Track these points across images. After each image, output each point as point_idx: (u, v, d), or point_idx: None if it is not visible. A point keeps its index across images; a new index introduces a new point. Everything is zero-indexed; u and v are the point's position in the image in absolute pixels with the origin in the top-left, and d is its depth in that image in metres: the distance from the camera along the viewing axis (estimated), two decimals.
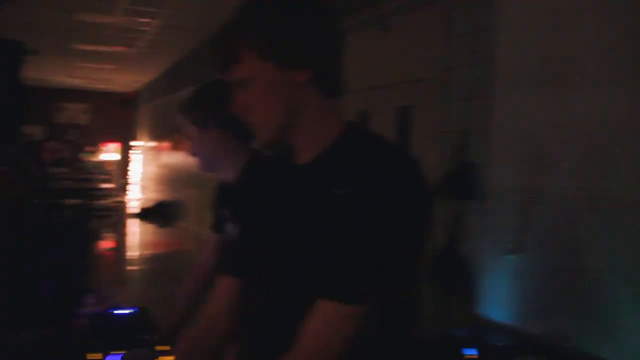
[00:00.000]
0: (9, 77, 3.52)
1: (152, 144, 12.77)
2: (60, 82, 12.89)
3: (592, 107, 2.55)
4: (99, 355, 1.67)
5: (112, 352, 1.67)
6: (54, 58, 9.47)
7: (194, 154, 1.67)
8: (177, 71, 9.96)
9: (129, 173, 14.93)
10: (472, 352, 2.67)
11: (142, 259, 8.35)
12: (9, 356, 1.85)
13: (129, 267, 7.87)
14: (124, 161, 14.97)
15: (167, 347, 1.68)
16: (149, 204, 11.61)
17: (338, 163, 0.98)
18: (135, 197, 14.22)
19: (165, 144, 10.98)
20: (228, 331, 1.17)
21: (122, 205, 13.61)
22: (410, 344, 1.08)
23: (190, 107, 1.66)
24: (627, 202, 2.39)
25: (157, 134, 12.17)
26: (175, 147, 9.83)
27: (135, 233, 10.81)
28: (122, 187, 14.74)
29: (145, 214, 11.14)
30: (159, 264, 7.88)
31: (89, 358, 1.67)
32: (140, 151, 14.42)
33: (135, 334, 1.86)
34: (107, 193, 13.28)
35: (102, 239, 9.24)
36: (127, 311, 2.04)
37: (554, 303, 2.70)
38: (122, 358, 1.60)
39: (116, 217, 12.11)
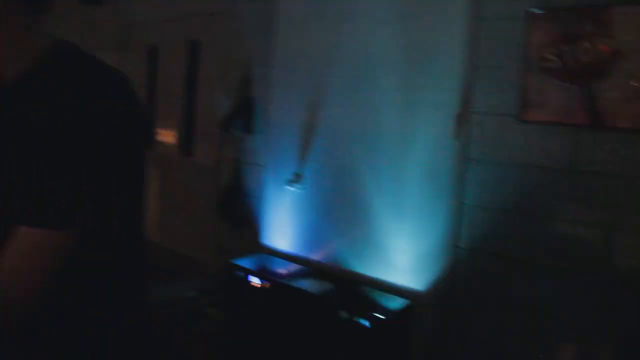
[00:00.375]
0: None
1: None
2: None
3: (367, 42, 2.75)
4: None
5: None
6: None
7: None
8: None
9: None
10: (257, 280, 2.82)
11: None
12: None
13: None
14: None
15: None
16: None
17: (39, 82, 0.92)
18: None
19: None
20: None
21: None
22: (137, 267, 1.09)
23: None
24: (394, 138, 2.67)
25: None
26: None
27: None
28: None
29: None
30: None
31: None
32: None
33: None
34: None
35: None
36: None
37: (331, 231, 2.94)
38: None
39: None
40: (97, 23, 4.80)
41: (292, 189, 3.08)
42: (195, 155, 3.94)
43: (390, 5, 2.64)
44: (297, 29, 3.02)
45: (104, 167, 0.89)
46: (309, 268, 2.92)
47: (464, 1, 2.40)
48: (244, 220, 3.33)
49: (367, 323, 2.34)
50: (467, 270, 2.42)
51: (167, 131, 4.20)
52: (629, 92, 2.01)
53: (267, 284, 2.79)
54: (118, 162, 0.92)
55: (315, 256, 2.97)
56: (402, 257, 2.62)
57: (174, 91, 4.11)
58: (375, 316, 2.34)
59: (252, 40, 3.29)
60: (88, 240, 0.90)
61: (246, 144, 3.32)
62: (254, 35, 3.29)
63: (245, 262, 3.05)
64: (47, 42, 0.98)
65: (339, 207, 2.90)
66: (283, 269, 2.97)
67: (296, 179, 3.06)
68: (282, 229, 3.17)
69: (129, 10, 4.58)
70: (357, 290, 2.66)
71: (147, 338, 1.16)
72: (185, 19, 3.98)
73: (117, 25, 4.63)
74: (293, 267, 2.98)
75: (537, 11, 2.22)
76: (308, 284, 2.72)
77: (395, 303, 2.51)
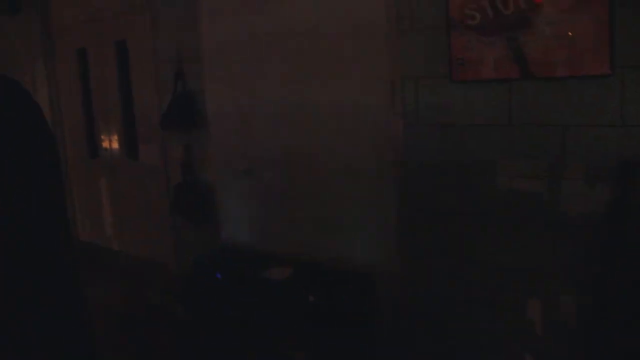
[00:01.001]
0: None
1: None
2: None
3: (294, 19, 2.69)
4: None
5: None
6: None
7: None
8: None
9: None
10: (219, 274, 2.79)
11: None
12: None
13: None
14: None
15: None
16: None
17: None
18: None
19: None
20: None
21: None
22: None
23: None
24: (332, 112, 2.64)
25: None
26: None
27: None
28: None
29: None
30: None
31: None
32: None
33: None
34: None
35: None
36: None
37: (286, 217, 2.92)
38: None
39: None
40: (18, 31, 4.58)
41: (242, 179, 3.05)
42: (140, 157, 3.84)
43: None
44: (221, 17, 2.95)
45: None
46: (270, 256, 2.90)
47: None
48: (199, 217, 3.28)
49: (330, 303, 2.35)
50: (414, 230, 2.43)
51: (109, 136, 4.07)
52: (552, 41, 2.02)
53: (231, 278, 2.77)
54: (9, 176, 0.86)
55: (275, 244, 2.95)
56: (356, 232, 2.63)
57: (109, 93, 3.98)
58: (339, 295, 2.36)
59: (179, 34, 3.18)
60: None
61: (190, 140, 3.24)
62: (179, 29, 3.18)
63: (206, 258, 3.02)
64: None
65: (291, 192, 2.88)
66: (245, 260, 2.96)
67: (245, 169, 3.02)
68: (239, 220, 3.14)
69: (51, 14, 4.38)
70: (319, 272, 2.67)
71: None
72: (109, 20, 3.83)
73: (40, 31, 4.43)
74: (254, 257, 2.96)
75: None
76: (271, 273, 2.71)
77: (357, 279, 2.53)
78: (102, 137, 4.13)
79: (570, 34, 2.00)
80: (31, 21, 4.48)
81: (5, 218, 0.86)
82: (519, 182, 2.17)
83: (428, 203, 2.39)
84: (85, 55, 4.15)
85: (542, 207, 2.12)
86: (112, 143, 4.06)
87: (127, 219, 4.04)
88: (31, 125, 0.92)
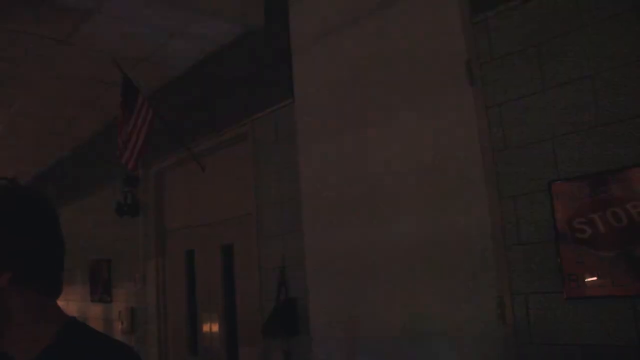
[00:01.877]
0: None
1: None
2: None
3: (398, 235, 2.70)
4: None
5: None
6: None
7: None
8: None
9: None
10: None
11: None
12: None
13: None
14: None
15: None
16: None
17: None
18: None
19: None
20: None
21: None
22: None
23: None
24: (440, 333, 2.53)
25: None
26: None
27: None
28: None
29: None
30: None
31: None
32: None
33: None
34: None
35: None
36: None
37: None
38: None
39: None
40: (133, 232, 5.02)
41: None
42: None
43: (417, 198, 2.66)
44: (324, 228, 3.05)
45: None
46: None
47: (485, 183, 2.40)
48: None
49: None
50: None
51: (210, 335, 4.12)
52: None
53: None
54: None
55: None
56: None
57: (212, 295, 4.11)
58: None
59: (283, 242, 3.33)
60: None
61: (290, 347, 3.19)
62: (283, 237, 3.33)
63: None
64: (59, 322, 1.05)
65: None
66: None
67: None
68: None
69: (164, 218, 4.80)
70: None
71: None
72: (217, 224, 4.11)
73: (155, 232, 4.82)
74: None
75: (558, 182, 2.19)
76: None
77: None
78: (204, 334, 4.20)
79: None
80: (146, 222, 4.92)
81: None
82: None
83: None
84: (192, 257, 4.41)
85: None
86: (212, 342, 4.09)
87: None
88: None
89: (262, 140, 3.61)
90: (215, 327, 4.06)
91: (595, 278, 2.05)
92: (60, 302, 1.10)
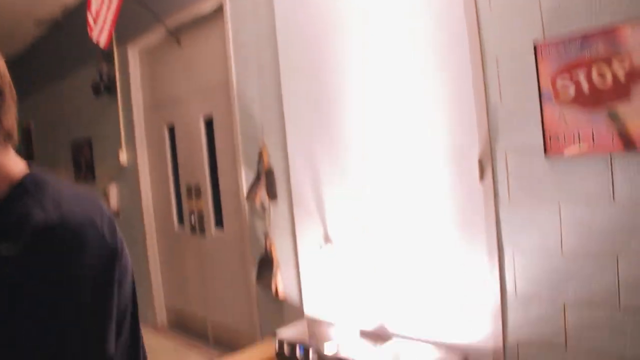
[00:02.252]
0: None
1: None
2: None
3: (380, 100, 2.72)
4: None
5: None
6: None
7: None
8: None
9: None
10: (301, 351, 2.74)
11: None
12: None
13: None
14: None
15: None
16: None
17: (4, 220, 0.83)
18: None
19: None
20: None
21: None
22: None
23: None
24: (419, 189, 2.60)
25: None
26: None
27: None
28: None
29: None
30: None
31: None
32: None
33: None
34: None
35: None
36: None
37: (369, 293, 2.84)
38: None
39: None
40: (113, 110, 4.94)
41: (324, 252, 3.02)
42: (225, 228, 3.93)
43: (394, 61, 2.62)
44: (302, 100, 3.02)
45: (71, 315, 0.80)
46: (356, 334, 2.82)
47: (471, 41, 2.35)
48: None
49: None
50: (518, 319, 2.28)
51: (197, 205, 4.22)
52: None
53: (315, 356, 2.70)
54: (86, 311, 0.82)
55: (360, 321, 2.87)
56: (448, 312, 2.51)
57: (196, 166, 4.15)
58: None
59: (262, 113, 3.30)
60: None
61: (273, 213, 3.29)
62: (263, 108, 3.30)
63: (289, 332, 2.98)
64: (16, 174, 0.90)
65: (374, 267, 2.81)
66: (329, 337, 2.89)
67: (326, 242, 3.00)
68: (322, 294, 3.09)
69: (144, 94, 4.70)
70: (412, 355, 2.54)
71: None
72: (196, 96, 4.05)
73: (135, 109, 4.75)
74: (339, 334, 2.88)
75: (542, 41, 2.14)
76: (357, 353, 2.62)
77: None
78: (189, 204, 4.29)
79: None
80: (125, 100, 4.83)
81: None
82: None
83: (530, 285, 2.23)
84: (173, 130, 4.39)
85: None
86: (198, 212, 4.20)
87: (214, 287, 4.10)
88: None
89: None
90: (199, 198, 4.15)
91: (576, 137, 2.08)
92: None
